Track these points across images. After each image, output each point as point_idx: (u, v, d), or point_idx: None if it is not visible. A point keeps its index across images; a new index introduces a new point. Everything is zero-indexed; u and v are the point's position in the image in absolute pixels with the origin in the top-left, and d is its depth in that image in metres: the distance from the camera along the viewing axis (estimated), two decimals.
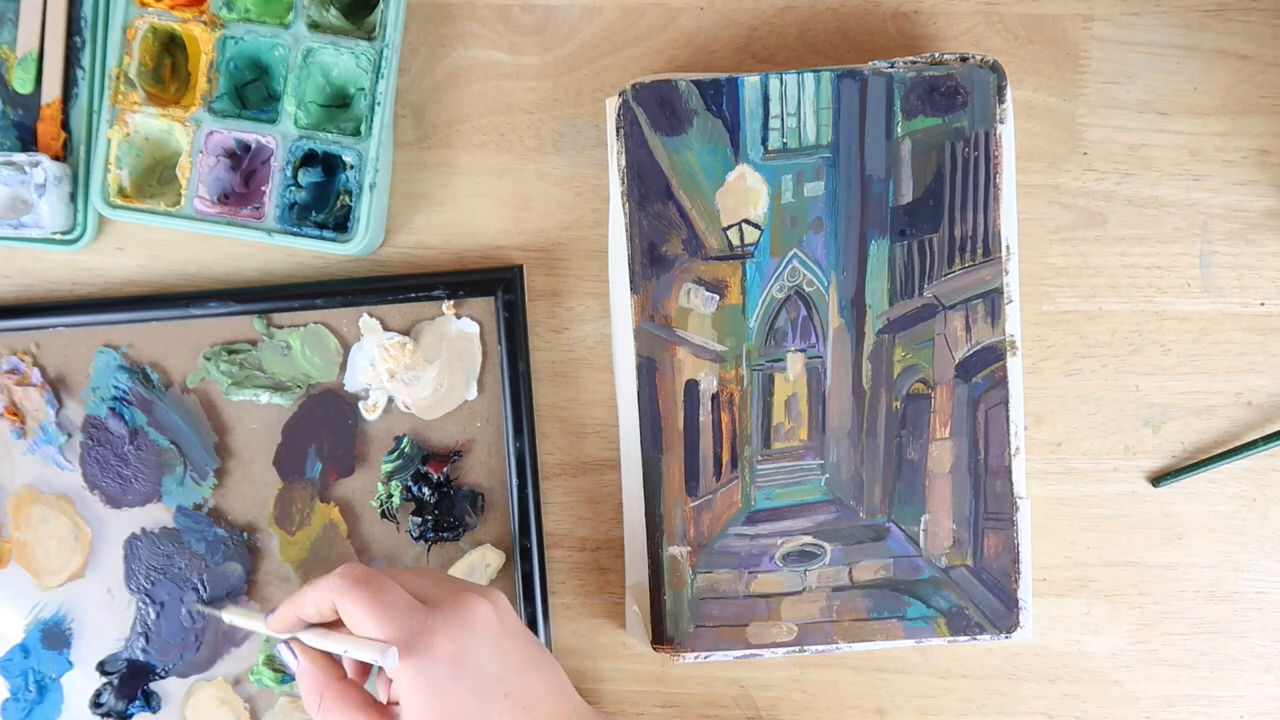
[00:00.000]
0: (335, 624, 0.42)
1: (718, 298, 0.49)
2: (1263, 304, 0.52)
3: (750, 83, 0.47)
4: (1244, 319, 0.52)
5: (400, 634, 0.39)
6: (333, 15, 0.50)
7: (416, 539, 0.52)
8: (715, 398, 0.49)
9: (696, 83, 0.47)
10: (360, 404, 0.52)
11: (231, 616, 0.47)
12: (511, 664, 0.41)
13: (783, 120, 0.48)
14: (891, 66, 0.47)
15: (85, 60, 0.51)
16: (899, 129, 0.48)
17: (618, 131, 0.48)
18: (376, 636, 0.39)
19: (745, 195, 0.48)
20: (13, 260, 0.53)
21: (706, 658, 0.49)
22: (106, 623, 0.53)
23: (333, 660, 0.42)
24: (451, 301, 0.52)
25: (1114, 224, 0.52)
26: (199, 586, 0.52)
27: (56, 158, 0.51)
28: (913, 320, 0.49)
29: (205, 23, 0.49)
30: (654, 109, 0.47)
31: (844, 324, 0.49)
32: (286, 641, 0.43)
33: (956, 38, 0.51)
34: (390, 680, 0.40)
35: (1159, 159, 0.51)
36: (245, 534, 0.52)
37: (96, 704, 0.53)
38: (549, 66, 0.52)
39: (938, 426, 0.49)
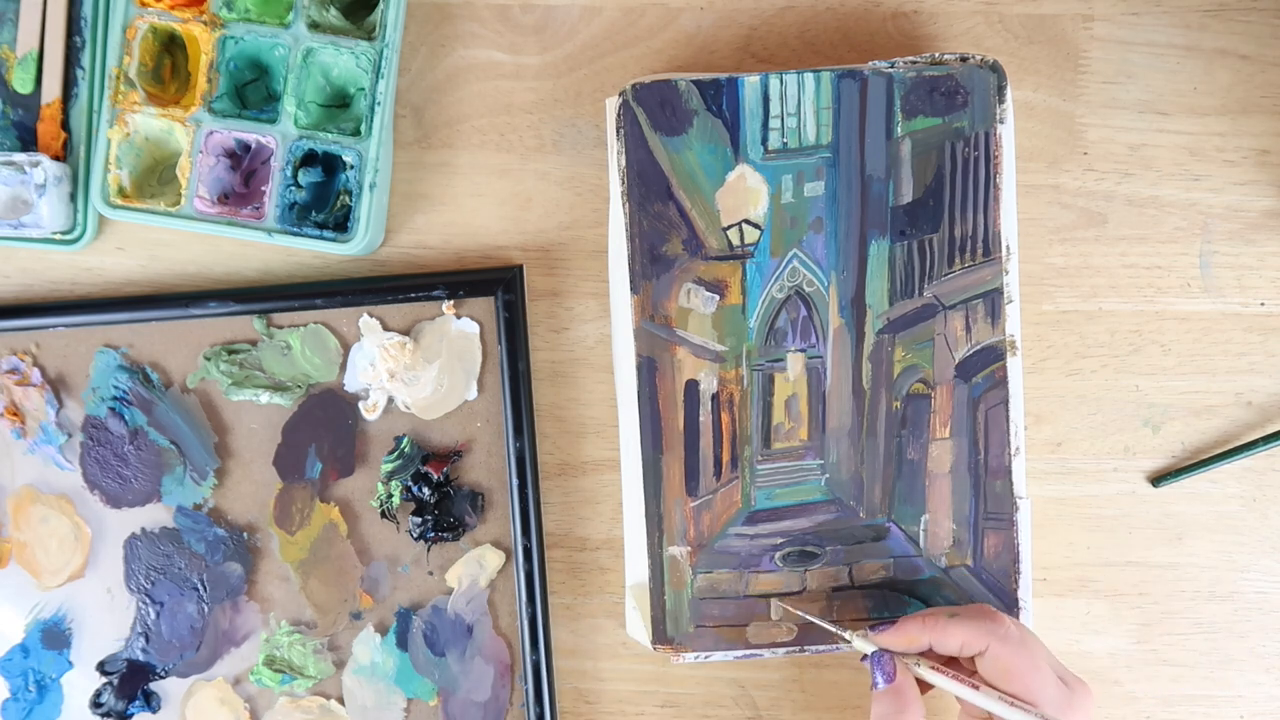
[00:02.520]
0: (935, 659, 0.45)
1: (718, 298, 0.49)
2: (1263, 304, 0.52)
3: (750, 83, 0.47)
4: (1244, 319, 0.52)
5: (1051, 709, 0.42)
6: (333, 15, 0.50)
7: (416, 539, 0.52)
8: (715, 398, 0.49)
9: (696, 83, 0.47)
10: (360, 404, 0.52)
11: (857, 640, 0.46)
12: None
13: (783, 120, 0.48)
14: (891, 66, 0.47)
15: (85, 60, 0.51)
16: (899, 129, 0.48)
17: (618, 131, 0.48)
18: (1025, 702, 0.42)
19: (745, 195, 0.48)
20: (13, 260, 0.53)
21: (706, 658, 0.49)
22: (106, 623, 0.53)
23: (918, 694, 0.44)
24: (451, 301, 0.52)
25: (1114, 224, 0.52)
26: (199, 586, 0.52)
27: (56, 158, 0.51)
28: (913, 320, 0.49)
29: (205, 23, 0.49)
30: (654, 109, 0.47)
31: (844, 324, 0.49)
32: (879, 653, 0.44)
33: (956, 38, 0.51)
34: None
35: (1159, 159, 0.51)
36: (245, 534, 0.52)
37: (96, 704, 0.53)
38: (549, 66, 0.52)
39: (938, 426, 0.49)
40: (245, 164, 0.51)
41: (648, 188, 0.48)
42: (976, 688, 0.43)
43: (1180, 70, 0.51)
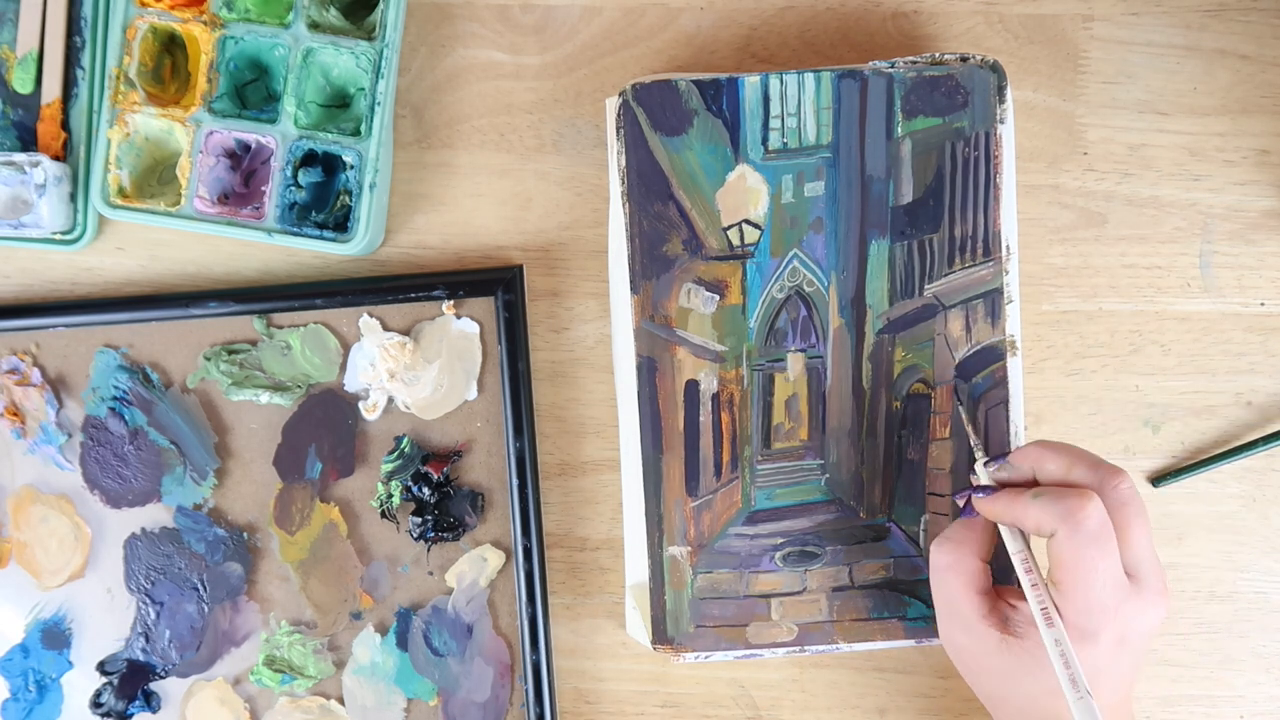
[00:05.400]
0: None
1: (718, 298, 0.49)
2: (1263, 304, 0.52)
3: (750, 83, 0.47)
4: (1244, 319, 0.52)
5: (1080, 614, 0.41)
6: (333, 15, 0.50)
7: (416, 539, 0.52)
8: (715, 398, 0.49)
9: (696, 83, 0.47)
10: (360, 404, 0.52)
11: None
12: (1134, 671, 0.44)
13: (783, 120, 0.48)
14: (892, 66, 0.47)
15: (85, 60, 0.51)
16: (899, 129, 0.48)
17: (618, 131, 0.48)
18: (1058, 590, 0.41)
19: (745, 195, 0.48)
20: (13, 260, 0.53)
21: (706, 658, 0.49)
22: (106, 623, 0.53)
23: (988, 545, 0.45)
24: (451, 301, 0.52)
25: (1114, 224, 0.52)
26: (199, 586, 0.52)
27: (56, 158, 0.51)
28: (913, 320, 0.49)
29: (205, 23, 0.49)
30: (654, 109, 0.47)
31: (844, 324, 0.49)
32: (972, 492, 0.45)
33: (956, 38, 0.51)
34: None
35: (1159, 159, 0.51)
36: (245, 534, 0.52)
37: (96, 704, 0.53)
38: (549, 66, 0.52)
39: (938, 426, 0.49)
40: (245, 164, 0.51)
41: (648, 188, 0.48)
42: (1029, 571, 0.43)
43: (1180, 70, 0.51)
